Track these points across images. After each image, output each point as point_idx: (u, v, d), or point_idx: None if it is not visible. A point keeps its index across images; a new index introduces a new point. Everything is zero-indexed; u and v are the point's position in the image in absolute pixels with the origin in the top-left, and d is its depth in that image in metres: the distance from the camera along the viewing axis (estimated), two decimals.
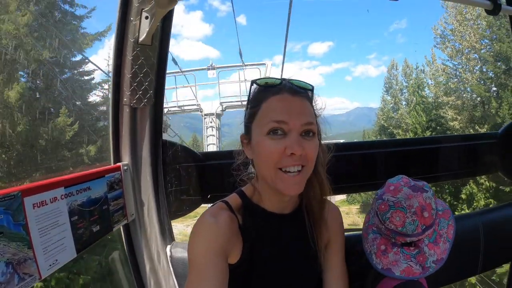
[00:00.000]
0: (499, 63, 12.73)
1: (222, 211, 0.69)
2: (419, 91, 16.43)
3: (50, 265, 0.72)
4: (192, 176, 1.14)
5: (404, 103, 17.91)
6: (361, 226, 1.00)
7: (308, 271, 0.78)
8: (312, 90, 0.71)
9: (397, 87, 18.82)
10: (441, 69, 15.18)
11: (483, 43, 13.39)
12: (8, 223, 0.63)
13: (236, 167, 0.78)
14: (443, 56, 15.06)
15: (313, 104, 0.72)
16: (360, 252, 0.94)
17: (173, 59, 7.26)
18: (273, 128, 0.63)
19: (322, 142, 0.74)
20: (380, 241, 0.80)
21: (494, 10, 1.08)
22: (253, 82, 0.72)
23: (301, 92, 0.68)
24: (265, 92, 0.69)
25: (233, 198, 0.74)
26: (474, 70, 13.85)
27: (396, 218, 0.73)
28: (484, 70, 13.45)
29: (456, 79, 14.67)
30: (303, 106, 0.66)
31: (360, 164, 1.43)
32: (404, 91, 18.34)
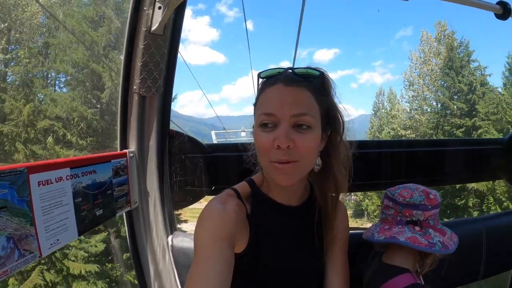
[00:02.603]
0: (443, 107, 17.36)
1: (230, 198, 0.68)
2: (388, 123, 20.73)
3: (51, 244, 0.72)
4: (197, 167, 1.14)
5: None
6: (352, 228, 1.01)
7: (309, 267, 0.75)
8: (318, 77, 0.66)
9: (383, 111, 22.57)
10: (402, 109, 20.11)
11: (433, 90, 18.31)
12: (12, 198, 0.63)
13: (250, 156, 0.78)
14: (406, 97, 20.05)
15: (325, 91, 0.67)
16: (365, 254, 0.91)
17: (224, 127, 11.71)
18: (263, 121, 0.63)
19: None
20: (383, 225, 0.83)
21: (504, 14, 1.05)
22: (258, 75, 0.70)
23: (298, 81, 0.63)
24: (264, 84, 0.68)
25: (242, 186, 0.73)
26: (425, 112, 18.63)
27: (405, 193, 0.80)
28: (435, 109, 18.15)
29: (411, 117, 19.12)
30: (297, 96, 0.62)
31: (364, 163, 1.37)
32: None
